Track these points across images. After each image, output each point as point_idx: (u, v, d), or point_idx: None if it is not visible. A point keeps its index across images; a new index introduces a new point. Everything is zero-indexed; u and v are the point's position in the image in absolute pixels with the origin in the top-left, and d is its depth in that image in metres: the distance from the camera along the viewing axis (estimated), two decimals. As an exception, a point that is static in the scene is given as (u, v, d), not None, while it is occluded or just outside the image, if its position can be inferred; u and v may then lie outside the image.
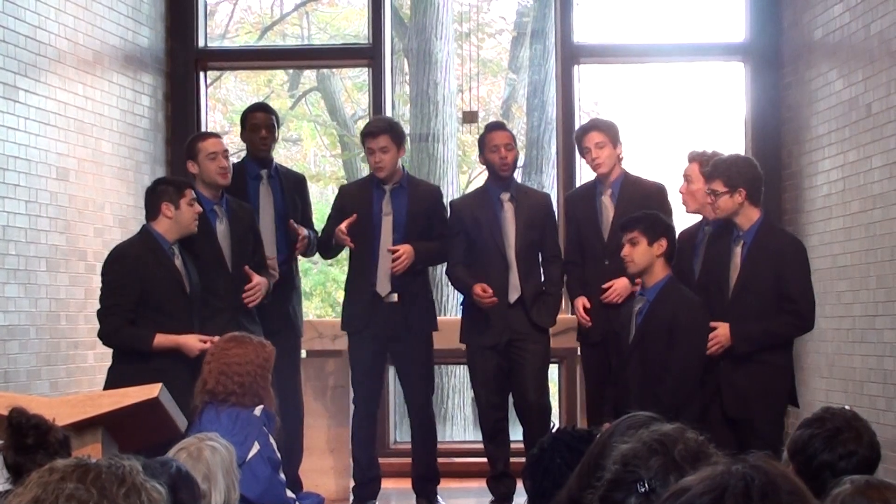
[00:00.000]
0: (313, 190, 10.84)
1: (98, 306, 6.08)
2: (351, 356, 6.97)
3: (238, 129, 7.38)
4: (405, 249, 6.72)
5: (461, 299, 7.19)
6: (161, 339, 5.90)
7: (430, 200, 7.01)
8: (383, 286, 6.80)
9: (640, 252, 5.97)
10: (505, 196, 6.90)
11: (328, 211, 7.25)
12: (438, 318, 7.04)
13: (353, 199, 6.95)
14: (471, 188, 13.94)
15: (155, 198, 6.10)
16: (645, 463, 2.28)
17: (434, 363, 7.07)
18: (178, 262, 6.06)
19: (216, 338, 5.97)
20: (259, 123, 7.03)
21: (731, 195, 5.93)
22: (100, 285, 6.14)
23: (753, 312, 5.90)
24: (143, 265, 5.97)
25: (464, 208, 6.98)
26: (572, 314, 6.94)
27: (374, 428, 7.07)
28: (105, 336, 6.03)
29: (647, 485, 2.25)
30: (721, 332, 5.90)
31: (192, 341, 5.93)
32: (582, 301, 6.66)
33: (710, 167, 6.08)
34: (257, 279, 6.39)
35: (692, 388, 5.84)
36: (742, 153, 8.83)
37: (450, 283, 7.31)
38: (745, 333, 5.87)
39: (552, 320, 6.90)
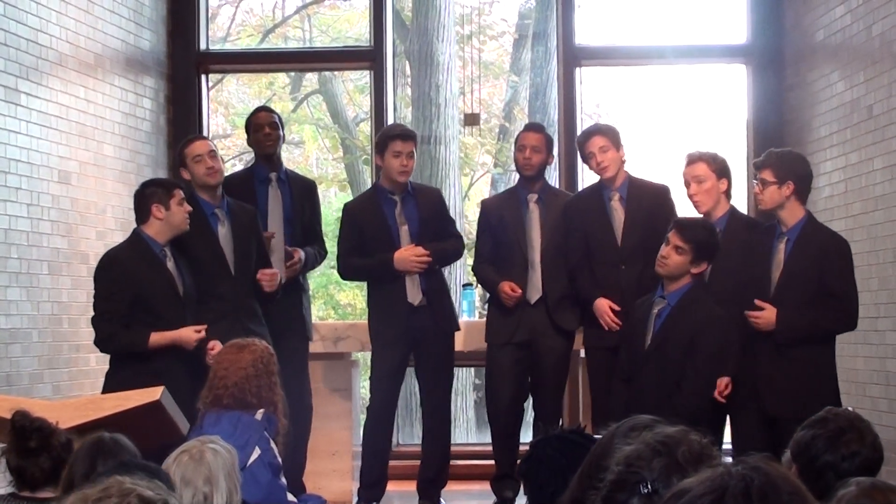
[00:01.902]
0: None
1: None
2: (375, 362, 6.95)
3: (240, 132, 7.42)
4: (425, 252, 6.79)
5: (472, 300, 7.20)
6: (156, 337, 5.87)
7: (436, 203, 7.07)
8: (414, 295, 6.81)
9: (679, 263, 5.81)
10: (532, 197, 6.94)
11: (331, 214, 7.25)
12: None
13: (365, 214, 6.93)
14: (473, 191, 13.98)
15: (144, 200, 6.08)
16: (648, 464, 2.29)
17: (455, 364, 7.09)
18: (170, 264, 6.03)
19: (212, 345, 5.98)
20: (261, 122, 7.10)
21: (779, 187, 5.83)
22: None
23: (797, 309, 5.81)
24: (133, 269, 5.95)
25: (492, 207, 7.09)
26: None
27: (390, 432, 7.07)
28: (101, 342, 6.02)
29: (649, 486, 2.26)
30: (766, 314, 5.77)
31: (188, 333, 5.90)
32: (607, 302, 6.56)
33: (763, 157, 5.99)
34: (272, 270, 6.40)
35: (710, 401, 5.78)
36: (745, 154, 8.86)
37: (455, 287, 7.33)
38: (790, 322, 5.75)
39: (576, 323, 6.90)
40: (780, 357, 5.80)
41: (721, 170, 6.26)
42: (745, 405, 5.85)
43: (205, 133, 8.82)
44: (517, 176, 7.16)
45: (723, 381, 5.85)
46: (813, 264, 5.81)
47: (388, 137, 6.91)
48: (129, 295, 5.91)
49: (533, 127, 7.21)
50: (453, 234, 7.07)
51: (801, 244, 5.84)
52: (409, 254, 6.76)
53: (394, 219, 6.87)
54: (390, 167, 6.86)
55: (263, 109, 7.34)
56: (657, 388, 5.76)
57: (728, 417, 6.02)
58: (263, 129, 7.06)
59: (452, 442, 7.26)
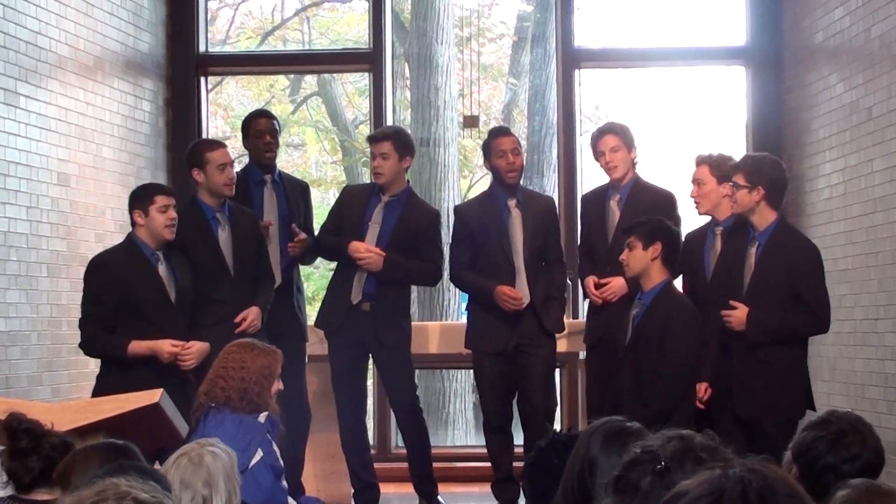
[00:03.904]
0: (314, 194, 10.87)
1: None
2: (330, 359, 6.98)
3: (240, 134, 7.39)
4: (375, 253, 6.71)
5: (465, 304, 7.17)
6: (135, 346, 5.88)
7: (424, 222, 6.93)
8: (355, 294, 6.79)
9: (636, 257, 5.99)
10: (512, 202, 6.88)
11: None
12: (439, 322, 7.07)
13: (352, 201, 6.98)
14: (472, 193, 13.96)
15: (130, 205, 6.12)
16: (663, 448, 2.34)
17: (414, 370, 7.06)
18: (162, 268, 6.03)
19: (190, 344, 5.98)
20: (263, 130, 7.04)
21: (749, 191, 5.89)
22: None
23: (767, 311, 5.86)
24: (121, 273, 5.97)
25: (470, 214, 6.96)
26: (574, 318, 6.94)
27: (361, 432, 7.04)
28: (84, 345, 6.05)
29: (662, 463, 2.30)
30: (738, 314, 5.82)
31: (164, 346, 5.90)
32: (592, 279, 6.63)
33: (739, 160, 6.08)
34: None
35: (682, 392, 5.83)
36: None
37: (453, 287, 7.31)
38: (761, 322, 5.80)
39: (561, 325, 6.90)
40: (752, 360, 5.85)
41: (724, 174, 6.28)
42: (721, 407, 5.90)
43: (203, 136, 8.83)
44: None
45: (702, 387, 5.91)
46: (782, 269, 5.87)
47: (367, 139, 6.98)
48: (114, 299, 5.93)
49: (504, 131, 7.11)
50: (432, 259, 6.91)
51: (771, 249, 5.91)
52: (363, 247, 6.72)
53: (370, 215, 6.85)
54: (371, 169, 6.91)
55: (264, 115, 7.25)
56: (634, 384, 5.89)
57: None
58: (264, 136, 7.01)
59: (452, 444, 7.27)
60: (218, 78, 12.15)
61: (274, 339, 6.28)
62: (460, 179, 13.17)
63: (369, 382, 7.28)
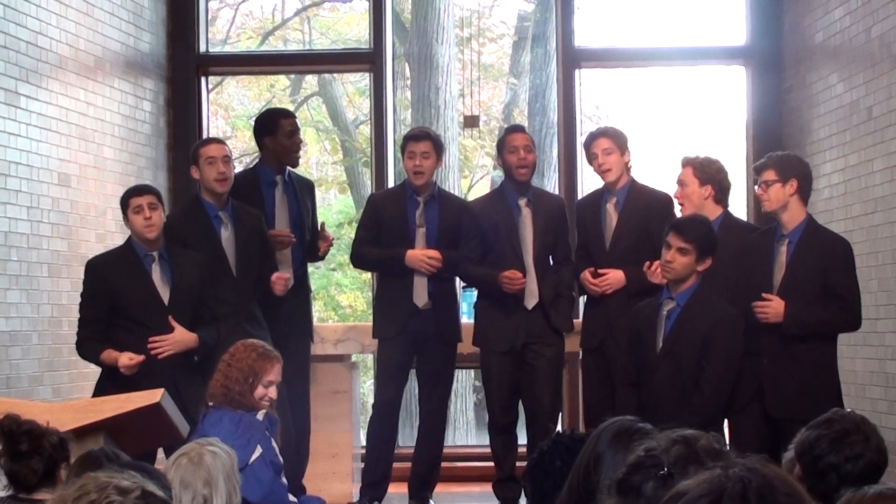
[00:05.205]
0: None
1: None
2: (379, 360, 6.99)
3: (241, 133, 7.38)
4: (435, 259, 6.77)
5: (473, 302, 7.19)
6: (105, 356, 5.85)
7: (459, 214, 6.99)
8: (420, 297, 6.81)
9: (685, 264, 5.79)
10: (522, 201, 6.89)
11: (331, 216, 7.25)
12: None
13: (388, 208, 6.94)
14: (472, 193, 13.97)
15: None
16: (666, 452, 2.32)
17: (454, 373, 7.16)
18: (156, 270, 6.02)
19: (169, 336, 5.93)
20: (294, 129, 6.90)
21: (783, 185, 5.83)
22: None
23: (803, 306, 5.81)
24: (111, 276, 5.97)
25: (481, 212, 6.97)
26: (577, 318, 6.95)
27: (393, 431, 7.08)
28: (76, 346, 6.08)
29: (666, 469, 2.28)
30: (775, 305, 5.76)
31: (122, 359, 5.78)
32: (588, 270, 6.59)
33: (763, 160, 6.02)
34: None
35: (727, 398, 5.79)
36: (745, 156, 8.87)
37: (463, 283, 7.35)
38: (798, 315, 5.74)
39: (570, 324, 6.90)
40: (784, 358, 5.80)
41: (707, 177, 6.27)
42: (745, 406, 5.86)
43: (204, 136, 8.83)
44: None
45: None
46: (816, 266, 5.81)
47: (404, 139, 6.98)
48: (103, 301, 5.94)
49: (518, 128, 7.17)
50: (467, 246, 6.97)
51: (804, 246, 5.85)
52: (420, 254, 6.76)
53: (413, 219, 6.88)
54: (406, 168, 6.92)
55: (289, 115, 7.11)
56: (673, 389, 5.74)
57: (727, 419, 6.03)
58: (295, 136, 6.88)
59: (453, 444, 7.29)
60: (218, 78, 12.14)
61: (283, 337, 6.28)
62: (460, 179, 13.18)
63: (367, 385, 7.28)
